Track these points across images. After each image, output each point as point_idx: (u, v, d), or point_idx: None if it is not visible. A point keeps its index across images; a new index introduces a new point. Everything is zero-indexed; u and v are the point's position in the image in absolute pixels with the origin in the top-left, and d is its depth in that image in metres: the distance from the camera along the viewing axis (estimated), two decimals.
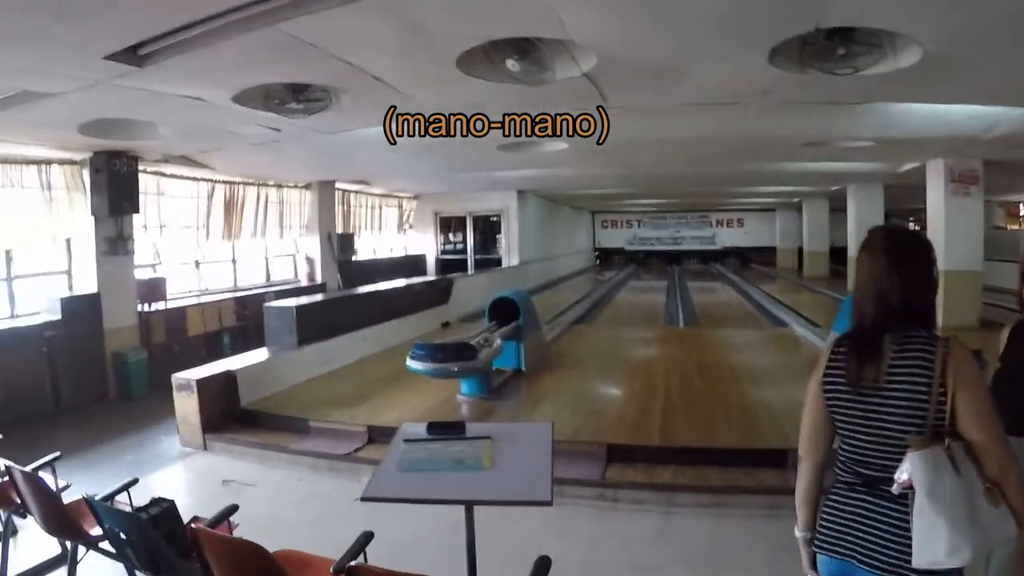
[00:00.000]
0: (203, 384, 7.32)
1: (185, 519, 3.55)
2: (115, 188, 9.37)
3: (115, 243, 9.85)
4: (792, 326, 13.14)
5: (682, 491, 5.50)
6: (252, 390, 7.89)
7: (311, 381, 8.83)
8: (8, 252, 9.16)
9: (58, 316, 9.11)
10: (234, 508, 3.58)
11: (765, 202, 29.07)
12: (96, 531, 3.79)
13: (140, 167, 10.03)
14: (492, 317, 9.07)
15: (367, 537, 2.90)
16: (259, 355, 8.70)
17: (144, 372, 9.86)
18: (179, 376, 7.44)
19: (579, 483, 5.60)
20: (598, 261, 35.75)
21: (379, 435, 6.71)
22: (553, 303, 17.16)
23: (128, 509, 3.66)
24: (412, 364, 7.19)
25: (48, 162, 9.10)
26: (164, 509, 3.59)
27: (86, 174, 9.46)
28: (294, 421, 7.27)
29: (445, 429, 3.67)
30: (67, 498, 4.16)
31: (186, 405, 7.34)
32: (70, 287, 9.86)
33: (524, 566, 2.80)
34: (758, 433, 6.49)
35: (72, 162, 9.39)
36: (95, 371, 9.54)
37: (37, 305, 9.40)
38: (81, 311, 9.39)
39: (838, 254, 23.22)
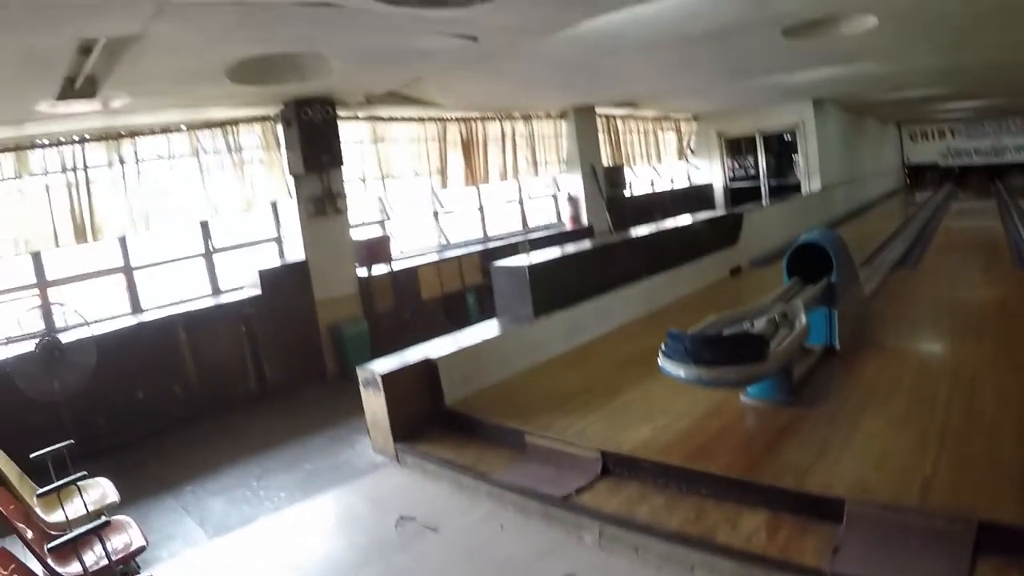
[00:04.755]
0: (391, 380, 5.93)
1: None
2: (310, 141, 8.38)
3: (321, 202, 8.89)
4: None
5: None
6: (463, 382, 6.34)
7: (548, 364, 7.10)
8: (204, 224, 8.49)
9: (258, 291, 8.34)
10: None
11: None
12: None
13: (346, 113, 9.11)
14: (792, 271, 6.67)
15: None
16: (477, 334, 7.09)
17: (365, 345, 8.87)
18: (365, 369, 6.12)
19: None
20: (908, 180, 31.04)
21: (617, 467, 4.83)
22: (864, 238, 13.69)
23: None
24: (666, 365, 4.93)
25: (235, 122, 8.36)
26: None
27: (281, 129, 8.58)
28: (507, 433, 5.57)
29: None
30: None
31: (374, 405, 6.03)
32: (281, 255, 9.02)
33: None
34: None
35: (265, 118, 8.57)
36: (306, 348, 8.74)
37: (243, 280, 8.69)
38: (285, 282, 8.60)
39: None
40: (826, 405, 5.33)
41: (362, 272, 9.37)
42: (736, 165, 19.08)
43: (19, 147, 7.05)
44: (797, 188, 17.76)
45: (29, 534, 3.62)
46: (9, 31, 4.28)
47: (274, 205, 8.95)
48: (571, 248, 9.12)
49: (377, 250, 9.57)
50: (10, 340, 6.39)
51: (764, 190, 18.45)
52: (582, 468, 4.91)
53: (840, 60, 10.01)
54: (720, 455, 4.69)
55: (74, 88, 5.90)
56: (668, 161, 17.71)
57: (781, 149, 18.55)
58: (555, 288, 7.67)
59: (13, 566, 3.08)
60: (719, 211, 16.02)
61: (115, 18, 4.49)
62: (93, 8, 4.19)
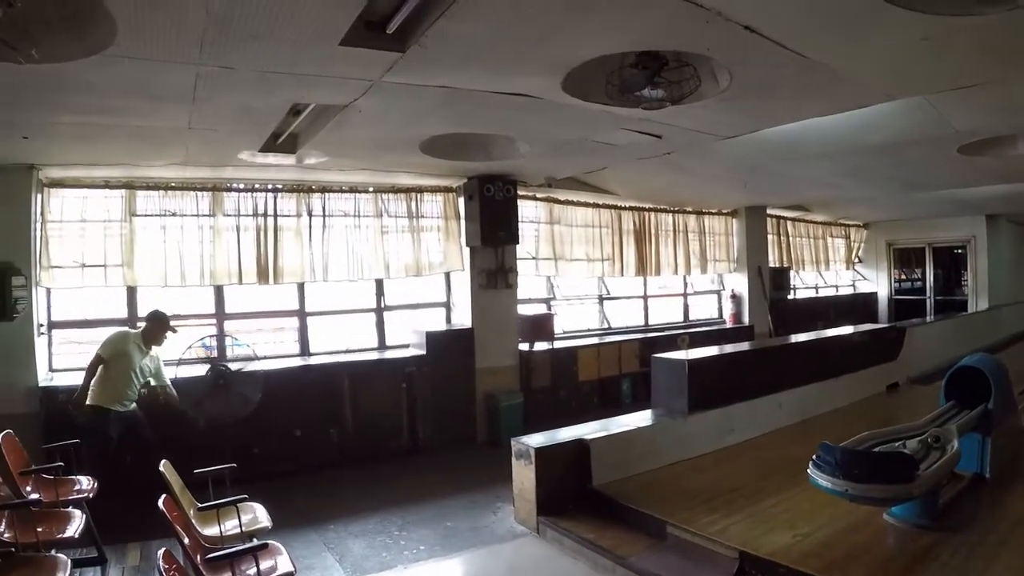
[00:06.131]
0: (544, 454, 6.22)
1: None
2: (489, 216, 8.91)
3: (493, 276, 9.41)
4: None
5: None
6: (611, 466, 6.52)
7: (697, 460, 7.16)
8: (379, 281, 9.17)
9: (422, 351, 8.84)
10: None
11: None
12: None
13: (525, 192, 9.67)
14: (949, 395, 6.50)
15: None
16: (631, 421, 7.26)
17: (518, 418, 9.18)
18: (519, 441, 6.45)
19: None
20: None
21: (754, 568, 4.86)
22: None
23: None
24: (815, 475, 5.02)
25: (419, 190, 9.09)
26: None
27: (462, 202, 9.19)
28: (649, 520, 5.69)
29: None
30: None
31: (523, 477, 6.34)
32: (448, 321, 9.56)
33: None
34: None
35: (448, 189, 9.27)
36: (461, 413, 9.19)
37: (409, 338, 9.25)
38: (449, 347, 9.07)
39: None
40: (969, 534, 5.18)
41: (524, 346, 9.75)
42: (903, 276, 18.71)
43: (216, 188, 7.97)
44: (963, 305, 17.16)
45: (186, 541, 3.96)
46: (235, 89, 4.84)
47: (447, 272, 9.39)
48: (730, 348, 9.20)
49: (541, 327, 9.92)
50: (182, 362, 7.02)
51: (929, 304, 17.93)
52: (719, 565, 4.98)
53: (1016, 177, 9.72)
54: (856, 571, 4.67)
55: (276, 143, 6.55)
56: (835, 268, 17.53)
57: (951, 263, 18.02)
58: (712, 386, 7.74)
59: (175, 566, 3.38)
60: (882, 324, 15.42)
61: (332, 90, 5.06)
62: (314, 79, 4.68)
